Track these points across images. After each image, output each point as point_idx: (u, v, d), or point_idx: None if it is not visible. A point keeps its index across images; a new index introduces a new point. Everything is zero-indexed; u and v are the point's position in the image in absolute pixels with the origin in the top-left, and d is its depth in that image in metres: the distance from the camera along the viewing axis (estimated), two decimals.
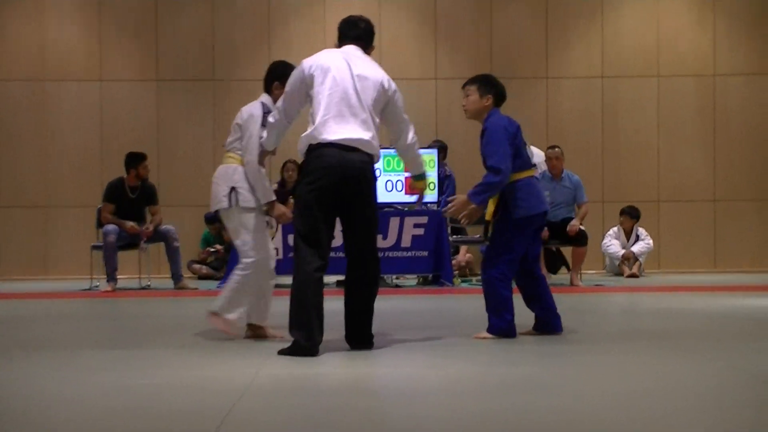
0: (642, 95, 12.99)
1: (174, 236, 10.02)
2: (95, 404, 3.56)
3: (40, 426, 3.24)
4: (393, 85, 5.01)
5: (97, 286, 10.09)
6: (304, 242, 4.75)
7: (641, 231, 11.88)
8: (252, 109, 5.44)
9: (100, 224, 10.11)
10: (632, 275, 11.44)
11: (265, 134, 5.22)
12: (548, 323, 5.45)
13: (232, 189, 5.39)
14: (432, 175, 9.98)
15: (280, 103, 5.09)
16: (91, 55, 12.75)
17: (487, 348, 4.97)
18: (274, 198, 5.43)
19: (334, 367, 4.42)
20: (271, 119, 5.15)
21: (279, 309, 5.22)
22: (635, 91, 12.97)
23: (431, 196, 9.98)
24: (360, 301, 4.92)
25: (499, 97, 5.44)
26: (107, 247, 9.76)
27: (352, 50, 5.02)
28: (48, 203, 12.61)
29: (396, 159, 9.87)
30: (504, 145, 5.22)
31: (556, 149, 10.41)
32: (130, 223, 9.80)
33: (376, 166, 5.04)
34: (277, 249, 9.56)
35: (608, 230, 12.01)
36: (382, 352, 4.80)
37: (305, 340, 4.63)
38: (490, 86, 5.43)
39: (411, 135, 5.13)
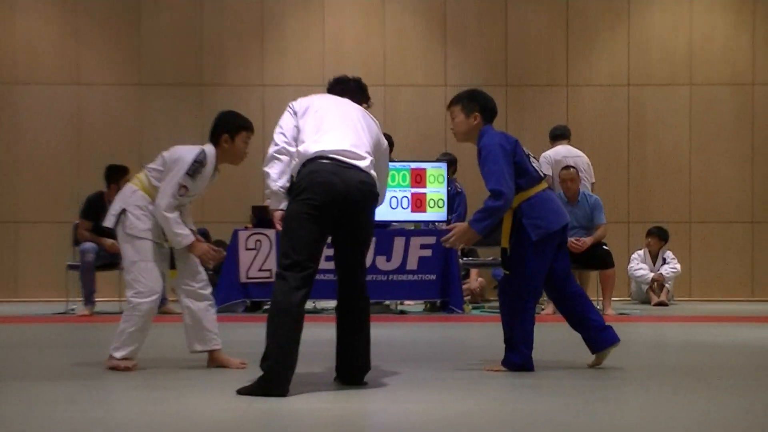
0: (672, 105, 13.06)
1: None
2: None
3: None
4: (385, 142, 5.10)
5: (72, 310, 10.17)
6: (289, 265, 4.65)
7: (668, 254, 11.94)
8: (184, 153, 5.42)
9: (76, 242, 10.21)
10: (660, 303, 11.50)
11: (269, 183, 4.88)
12: (600, 340, 5.46)
13: (123, 211, 5.52)
14: (441, 192, 10.09)
15: (278, 136, 4.90)
16: (66, 56, 12.88)
17: (497, 382, 5.02)
18: (191, 239, 5.43)
19: (326, 403, 4.45)
20: (271, 152, 4.89)
21: (255, 338, 5.21)
22: (665, 101, 13.04)
23: (440, 214, 10.09)
24: (352, 331, 4.89)
25: (488, 111, 5.40)
26: (84, 266, 9.86)
27: (346, 99, 5.10)
28: (17, 218, 12.71)
29: (401, 173, 9.99)
30: (502, 164, 5.18)
31: (571, 170, 10.21)
32: (110, 241, 9.81)
33: None
34: (270, 271, 9.76)
35: (633, 253, 12.09)
36: (379, 387, 4.82)
37: (276, 377, 4.51)
38: (474, 102, 5.39)
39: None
